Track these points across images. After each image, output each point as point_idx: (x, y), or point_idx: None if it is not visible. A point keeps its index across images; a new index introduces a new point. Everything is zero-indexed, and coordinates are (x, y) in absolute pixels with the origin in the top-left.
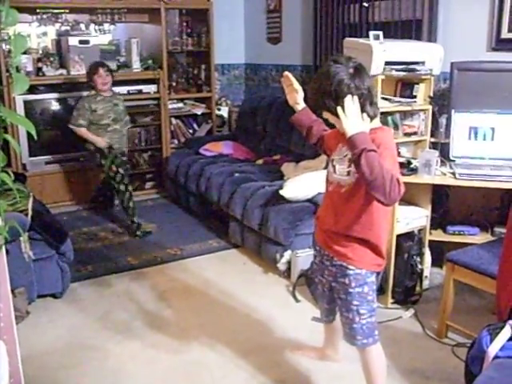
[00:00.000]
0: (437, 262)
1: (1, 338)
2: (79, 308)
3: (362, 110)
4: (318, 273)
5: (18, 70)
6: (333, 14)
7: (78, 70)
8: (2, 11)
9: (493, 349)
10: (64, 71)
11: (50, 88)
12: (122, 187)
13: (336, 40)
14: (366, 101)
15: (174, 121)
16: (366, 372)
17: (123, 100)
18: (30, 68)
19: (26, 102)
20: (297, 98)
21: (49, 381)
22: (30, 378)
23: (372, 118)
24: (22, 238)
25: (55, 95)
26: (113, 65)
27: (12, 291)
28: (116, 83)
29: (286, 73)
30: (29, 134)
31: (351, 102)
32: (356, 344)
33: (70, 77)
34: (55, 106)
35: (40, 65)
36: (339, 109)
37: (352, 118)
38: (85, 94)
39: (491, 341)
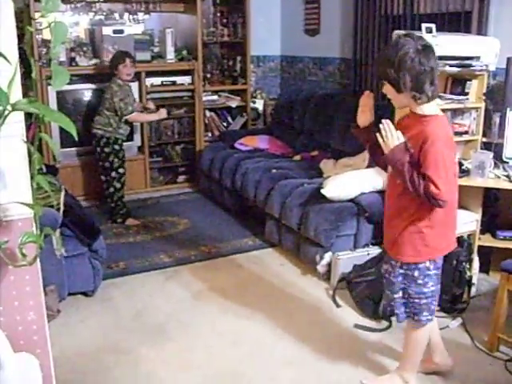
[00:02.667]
0: (483, 268)
1: (34, 353)
2: (111, 307)
3: (421, 89)
4: None
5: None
6: (374, 4)
7: None
8: None
9: None
10: (97, 61)
11: (83, 78)
12: (122, 170)
13: (378, 32)
14: (427, 79)
15: (208, 113)
16: (406, 344)
17: None
18: (63, 58)
19: (58, 93)
20: (367, 121)
21: None
22: (61, 383)
23: (430, 98)
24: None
25: (88, 85)
26: (146, 55)
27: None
28: (150, 74)
29: (368, 92)
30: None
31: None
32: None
33: (104, 67)
34: (88, 97)
35: (73, 55)
36: (378, 136)
37: (388, 141)
38: (114, 85)
39: None
